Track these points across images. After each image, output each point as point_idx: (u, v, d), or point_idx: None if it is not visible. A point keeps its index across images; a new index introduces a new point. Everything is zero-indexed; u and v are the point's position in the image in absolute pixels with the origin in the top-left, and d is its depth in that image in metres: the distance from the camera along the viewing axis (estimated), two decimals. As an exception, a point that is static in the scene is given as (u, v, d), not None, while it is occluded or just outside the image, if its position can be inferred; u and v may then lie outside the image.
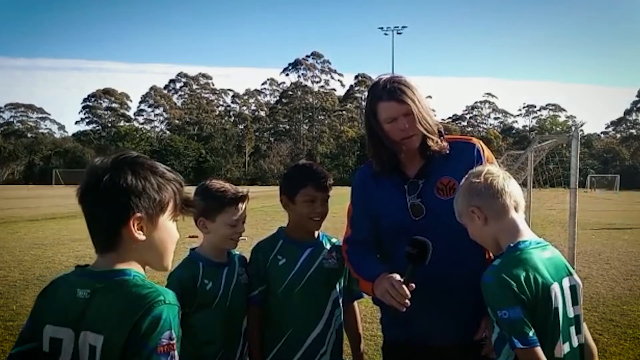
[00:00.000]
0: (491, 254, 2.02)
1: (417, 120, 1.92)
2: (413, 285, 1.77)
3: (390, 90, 1.93)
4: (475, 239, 1.79)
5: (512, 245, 1.66)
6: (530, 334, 1.53)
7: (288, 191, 2.22)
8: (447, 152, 2.01)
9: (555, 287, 1.61)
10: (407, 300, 1.75)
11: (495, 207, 1.70)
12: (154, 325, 1.14)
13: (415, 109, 1.92)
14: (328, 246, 2.26)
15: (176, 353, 1.15)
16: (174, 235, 1.38)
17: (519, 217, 1.73)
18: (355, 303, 2.35)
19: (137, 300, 1.19)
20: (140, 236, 1.29)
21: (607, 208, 23.92)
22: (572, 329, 1.65)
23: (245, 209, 2.19)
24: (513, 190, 1.73)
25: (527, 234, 1.70)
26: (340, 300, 2.28)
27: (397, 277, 1.80)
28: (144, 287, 1.23)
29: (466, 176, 1.80)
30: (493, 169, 1.76)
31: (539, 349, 1.53)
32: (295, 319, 2.15)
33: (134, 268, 1.29)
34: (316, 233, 2.28)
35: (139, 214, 1.28)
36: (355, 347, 2.34)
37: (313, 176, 2.19)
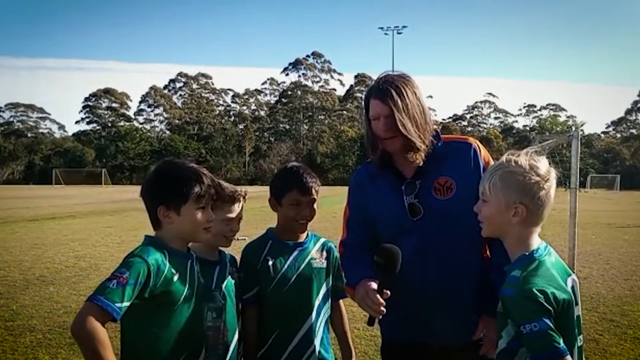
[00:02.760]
0: (488, 252, 2.03)
1: (398, 124, 1.90)
2: (388, 292, 1.78)
3: (380, 89, 1.94)
4: (484, 218, 1.70)
5: (527, 254, 1.62)
6: (562, 343, 1.48)
7: (275, 194, 2.26)
8: (420, 164, 1.99)
9: (570, 293, 1.58)
10: (382, 308, 1.76)
11: (537, 216, 1.65)
12: (122, 264, 1.70)
13: (397, 113, 1.90)
14: (317, 246, 2.29)
15: (127, 288, 1.62)
16: (198, 220, 1.83)
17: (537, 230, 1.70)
18: (341, 301, 2.37)
19: (131, 252, 1.77)
20: (168, 221, 1.82)
21: (607, 208, 23.92)
22: (576, 330, 1.63)
23: (241, 209, 2.20)
24: None
25: (536, 242, 1.67)
26: (329, 300, 2.30)
27: (372, 285, 1.81)
28: (141, 248, 1.77)
29: (530, 165, 1.62)
30: (554, 175, 1.67)
31: (569, 358, 1.48)
32: (283, 318, 2.18)
33: (165, 239, 1.82)
34: (305, 233, 2.30)
35: (162, 207, 1.80)
36: (343, 345, 2.37)
37: (298, 181, 2.21)
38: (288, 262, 2.21)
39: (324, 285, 2.27)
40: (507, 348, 1.60)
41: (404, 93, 1.92)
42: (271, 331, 2.19)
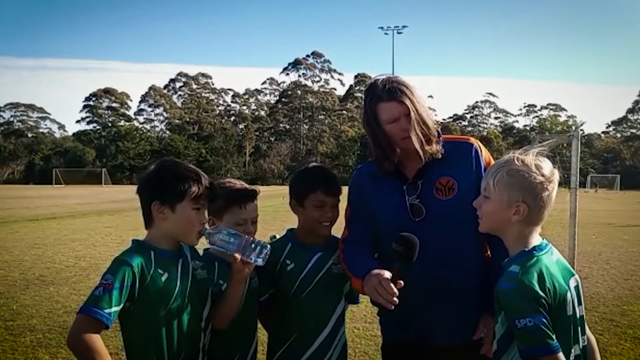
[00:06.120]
0: (488, 251, 2.03)
1: (415, 120, 1.91)
2: (402, 282, 1.75)
3: (390, 91, 1.92)
4: (483, 214, 1.70)
5: (526, 250, 1.61)
6: (555, 340, 1.48)
7: (297, 195, 2.18)
8: (441, 155, 1.99)
9: (568, 292, 1.58)
10: (395, 298, 1.73)
11: (537, 216, 1.64)
12: (107, 270, 1.70)
13: (414, 110, 1.91)
14: (338, 251, 2.19)
15: (113, 292, 1.64)
16: (192, 220, 1.81)
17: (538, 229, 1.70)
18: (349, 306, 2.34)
19: (116, 257, 1.76)
20: (161, 217, 1.80)
21: (607, 208, 23.92)
22: (579, 330, 1.62)
23: (254, 209, 2.13)
24: None
25: (537, 240, 1.67)
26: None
27: (386, 274, 1.77)
28: (127, 251, 1.77)
29: (536, 165, 1.62)
30: (557, 177, 1.67)
31: (562, 355, 1.48)
32: (302, 323, 2.14)
33: (153, 240, 1.82)
34: (326, 236, 2.23)
35: (157, 202, 1.78)
36: None
37: (323, 181, 2.15)
38: (308, 267, 2.15)
39: (343, 291, 2.22)
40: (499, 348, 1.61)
41: (412, 90, 1.94)
42: (288, 336, 2.15)
